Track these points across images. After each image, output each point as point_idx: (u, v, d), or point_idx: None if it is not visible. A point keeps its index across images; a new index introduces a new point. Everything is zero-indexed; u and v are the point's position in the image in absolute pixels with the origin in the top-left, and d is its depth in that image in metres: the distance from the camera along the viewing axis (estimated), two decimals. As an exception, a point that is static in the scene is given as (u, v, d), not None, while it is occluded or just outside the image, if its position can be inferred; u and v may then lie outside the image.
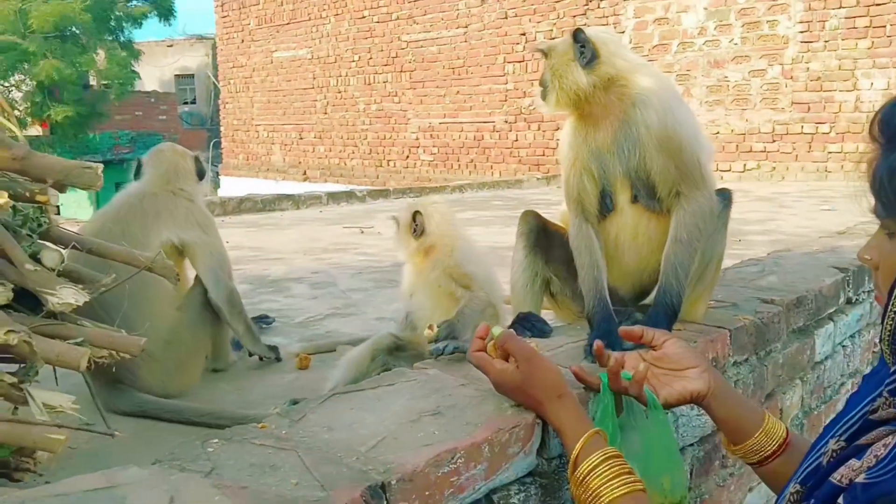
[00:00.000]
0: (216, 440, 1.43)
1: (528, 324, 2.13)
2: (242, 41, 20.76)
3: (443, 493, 1.35)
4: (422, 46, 15.94)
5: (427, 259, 2.21)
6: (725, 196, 2.19)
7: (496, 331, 1.54)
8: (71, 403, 1.38)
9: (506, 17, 14.46)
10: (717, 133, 11.57)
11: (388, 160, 16.86)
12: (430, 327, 1.88)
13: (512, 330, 1.56)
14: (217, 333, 2.49)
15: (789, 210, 7.37)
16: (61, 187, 1.53)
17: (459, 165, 15.43)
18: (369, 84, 17.13)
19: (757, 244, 5.24)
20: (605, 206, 2.13)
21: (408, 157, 16.44)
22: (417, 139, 16.19)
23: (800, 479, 1.19)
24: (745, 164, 11.51)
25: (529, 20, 14.15)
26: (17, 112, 22.09)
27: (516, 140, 14.45)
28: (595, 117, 2.09)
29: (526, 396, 1.50)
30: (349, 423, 1.50)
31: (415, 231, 2.18)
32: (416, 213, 2.20)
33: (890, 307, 1.03)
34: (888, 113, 1.08)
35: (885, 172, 1.05)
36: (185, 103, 35.75)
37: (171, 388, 2.27)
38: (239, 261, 4.93)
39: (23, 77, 22.46)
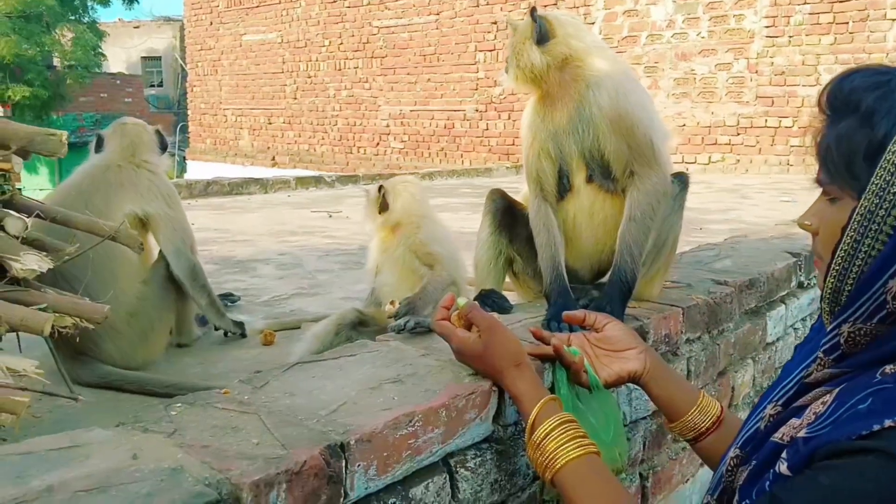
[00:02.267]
0: (179, 404, 1.46)
1: (489, 300, 2.18)
2: (211, 23, 20.47)
3: (400, 455, 1.40)
4: (393, 32, 15.89)
5: (393, 236, 2.25)
6: (682, 179, 2.27)
7: (461, 301, 1.60)
8: (34, 368, 1.39)
9: (477, 6, 14.48)
10: (684, 125, 11.75)
11: (359, 147, 16.80)
12: (392, 303, 1.93)
13: (475, 302, 1.61)
14: (181, 308, 2.50)
15: (751, 201, 7.53)
16: (24, 154, 1.53)
17: (430, 153, 15.44)
18: (339, 70, 17.03)
19: (717, 232, 5.36)
20: (563, 185, 2.19)
21: (378, 144, 16.40)
22: (388, 126, 16.16)
23: (739, 444, 1.26)
24: (710, 157, 11.71)
25: (501, 8, 14.18)
26: (-24, 91, 21.61)
27: (486, 129, 14.50)
28: (553, 98, 2.14)
29: (485, 365, 1.56)
30: (310, 390, 1.54)
31: (380, 206, 2.22)
32: (381, 189, 2.24)
33: (832, 265, 1.09)
34: (836, 87, 1.15)
35: (833, 139, 1.12)
36: (152, 86, 35.21)
37: (135, 361, 2.29)
38: (205, 242, 4.91)
39: (-18, 57, 21.91)
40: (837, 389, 1.08)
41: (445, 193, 8.58)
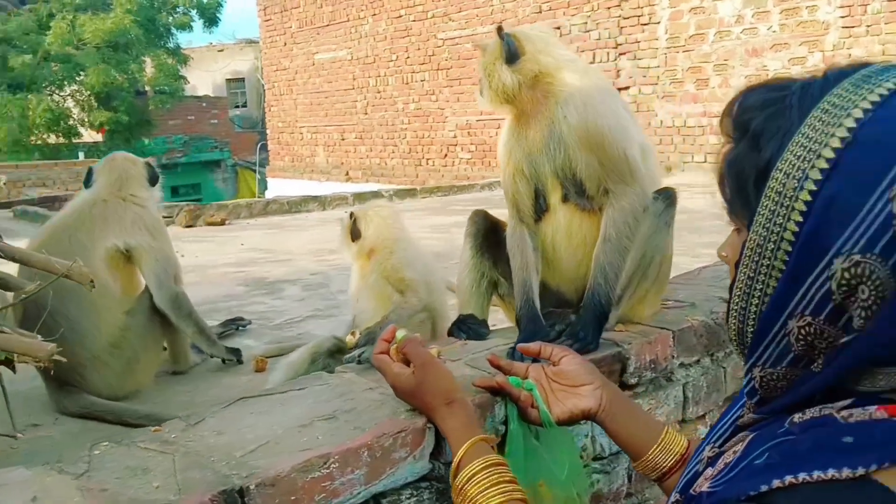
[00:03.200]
0: (106, 443, 1.47)
1: (464, 326, 2.13)
2: (285, 44, 21.09)
3: (312, 498, 1.37)
4: (457, 44, 15.93)
5: (368, 262, 2.22)
6: (668, 195, 2.14)
7: (399, 334, 1.55)
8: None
9: (540, 12, 14.35)
10: (758, 123, 11.23)
11: (427, 159, 16.91)
12: (353, 334, 1.90)
13: (416, 335, 1.56)
14: (173, 336, 2.55)
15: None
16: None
17: (497, 163, 15.34)
18: (407, 83, 17.20)
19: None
20: (540, 206, 2.11)
21: (446, 155, 16.46)
22: (455, 137, 16.19)
23: (679, 488, 1.17)
24: (786, 155, 11.15)
25: (563, 13, 14.00)
26: (71, 120, 23.01)
27: (552, 135, 14.29)
28: (527, 116, 2.08)
29: (418, 401, 1.51)
30: (240, 428, 1.53)
31: (353, 234, 2.20)
32: (352, 216, 2.22)
33: (731, 304, 1.00)
34: (734, 106, 1.05)
35: (726, 165, 1.02)
36: (237, 107, 36.48)
37: (120, 390, 2.35)
38: (246, 263, 5.04)
39: (77, 87, 23.30)
40: (751, 437, 0.99)
41: (501, 205, 8.50)
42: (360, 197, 8.98)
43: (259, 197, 24.30)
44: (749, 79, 11.57)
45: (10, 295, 1.95)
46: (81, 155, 21.47)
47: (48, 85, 22.81)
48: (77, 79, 23.06)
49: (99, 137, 25.20)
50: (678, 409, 2.19)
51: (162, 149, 28.51)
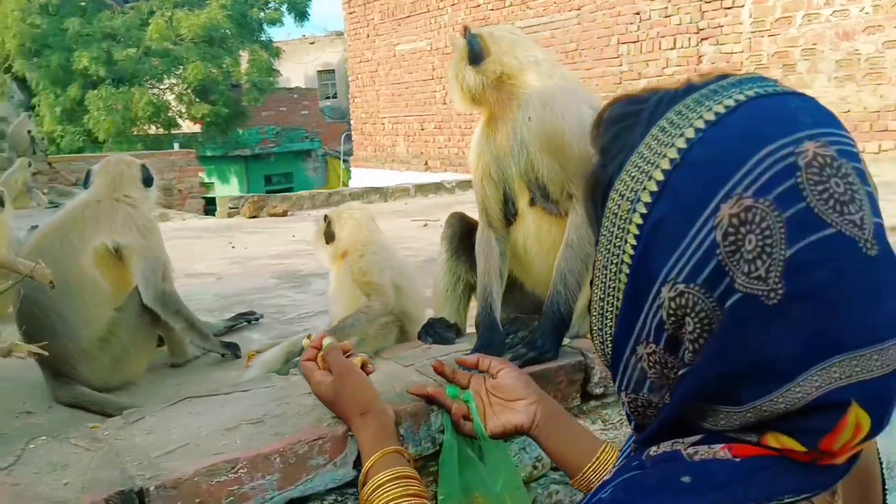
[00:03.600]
0: (44, 438, 1.56)
1: (432, 330, 2.12)
2: (367, 36, 21.41)
3: (219, 501, 1.40)
4: (535, 32, 15.70)
5: (343, 265, 2.24)
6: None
7: (326, 341, 1.57)
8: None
9: (619, -3, 13.96)
10: (848, 111, 10.61)
11: (504, 148, 16.80)
12: (309, 337, 1.92)
13: (343, 344, 1.58)
14: (169, 330, 2.66)
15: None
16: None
17: (573, 152, 15.09)
18: (485, 73, 17.12)
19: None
20: (509, 210, 2.08)
21: (522, 144, 16.31)
22: (532, 126, 16.02)
23: None
24: (880, 145, 10.48)
25: (644, -1, 13.58)
26: (170, 112, 24.15)
27: (631, 125, 13.92)
28: (495, 118, 2.05)
29: (337, 410, 1.53)
30: (171, 428, 1.58)
31: (327, 237, 2.22)
32: (326, 218, 2.24)
33: (591, 325, 0.96)
34: (598, 119, 1.00)
35: (584, 179, 0.98)
36: (327, 98, 37.27)
37: (111, 382, 2.47)
38: (287, 255, 5.17)
39: (175, 81, 24.42)
40: (618, 467, 0.95)
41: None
42: (422, 188, 9.04)
43: (344, 185, 24.84)
44: (839, 64, 10.93)
45: None
46: (176, 146, 22.51)
47: (149, 79, 23.99)
48: (176, 72, 24.15)
49: (196, 128, 26.37)
50: (653, 421, 2.11)
51: (255, 139, 29.57)
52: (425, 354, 2.01)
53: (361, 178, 21.64)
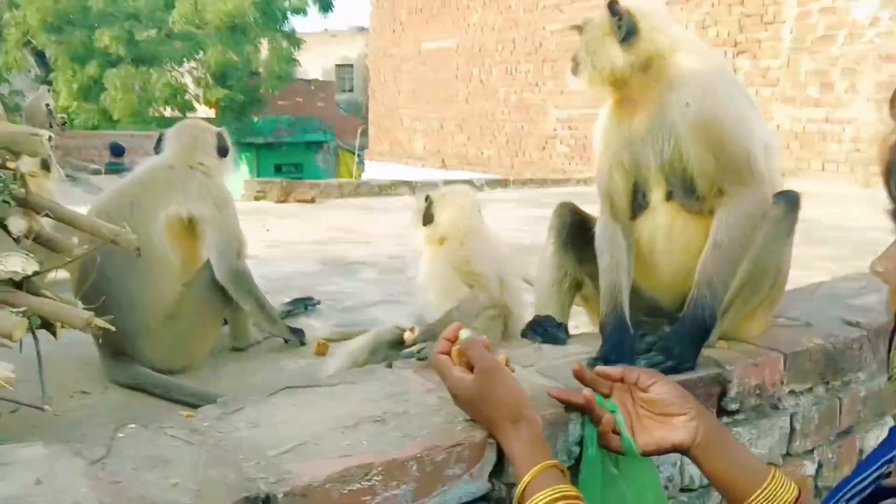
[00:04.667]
0: (133, 425, 1.35)
1: (541, 328, 1.91)
2: (394, 31, 21.23)
3: (348, 512, 1.19)
4: (566, 36, 15.51)
5: (439, 250, 2.03)
6: (789, 198, 1.85)
7: (464, 334, 1.36)
8: (9, 373, 1.34)
9: (654, 6, 13.75)
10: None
11: (525, 151, 16.62)
12: (412, 330, 1.72)
13: (482, 337, 1.37)
14: (235, 312, 2.45)
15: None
16: (16, 154, 1.51)
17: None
18: (510, 74, 16.95)
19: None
20: (639, 202, 1.87)
21: (544, 148, 16.12)
22: (555, 130, 15.82)
23: None
24: (918, 171, 10.23)
25: (681, 9, 13.34)
26: (187, 95, 23.99)
27: (658, 134, 13.72)
28: (633, 101, 1.83)
29: (479, 414, 1.32)
30: (278, 422, 1.37)
31: (425, 218, 2.01)
32: (427, 199, 2.03)
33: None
34: None
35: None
36: (344, 91, 37.11)
37: (174, 364, 2.26)
38: (328, 241, 4.97)
39: (195, 65, 24.26)
40: None
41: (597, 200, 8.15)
42: (451, 184, 8.82)
43: (356, 179, 24.68)
44: (881, 86, 10.70)
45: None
46: (192, 129, 22.31)
47: (169, 61, 23.82)
48: (196, 56, 23.99)
49: (212, 113, 26.20)
50: (783, 441, 1.91)
51: (270, 128, 29.38)
52: (539, 355, 1.80)
53: (375, 171, 21.45)
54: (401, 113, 21.11)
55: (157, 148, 2.54)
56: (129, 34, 22.13)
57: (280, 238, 4.93)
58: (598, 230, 1.90)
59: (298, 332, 2.55)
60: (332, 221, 5.97)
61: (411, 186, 8.37)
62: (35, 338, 1.53)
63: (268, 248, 4.46)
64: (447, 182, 8.85)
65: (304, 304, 2.99)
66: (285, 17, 26.19)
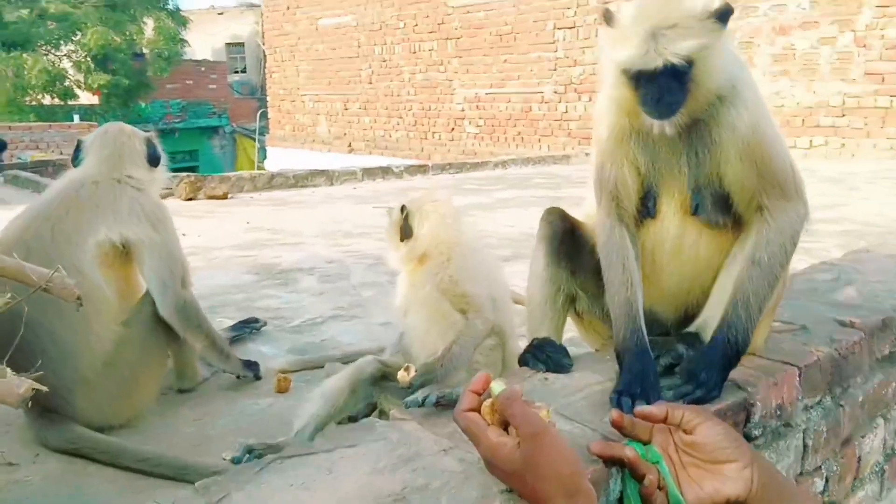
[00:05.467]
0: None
1: (542, 355, 1.72)
2: (288, 8, 20.43)
3: None
4: (468, 12, 15.36)
5: (420, 268, 1.80)
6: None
7: (496, 386, 1.15)
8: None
9: (559, -19, 13.77)
10: (782, 106, 10.80)
11: (433, 132, 16.41)
12: (406, 369, 1.49)
13: (517, 388, 1.16)
14: (179, 348, 2.13)
15: (860, 193, 6.71)
16: None
17: (506, 138, 14.89)
18: (414, 52, 16.65)
19: (826, 235, 4.69)
20: (646, 209, 1.69)
21: (453, 129, 15.96)
22: (463, 110, 15.69)
23: None
24: (811, 140, 10.73)
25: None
26: (67, 81, 22.40)
27: (566, 112, 13.83)
28: None
29: (524, 486, 1.11)
30: (279, 514, 1.12)
31: (403, 232, 1.77)
32: (403, 209, 1.79)
33: None
34: None
35: None
36: (236, 72, 35.74)
37: (115, 418, 1.93)
38: (254, 245, 4.62)
39: (73, 47, 22.66)
40: None
41: (517, 185, 8.08)
42: (370, 172, 8.54)
43: (259, 166, 23.80)
44: (775, 58, 11.12)
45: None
46: (77, 118, 20.88)
47: (44, 44, 22.12)
48: (74, 38, 22.38)
49: (95, 100, 24.60)
50: (797, 460, 1.80)
51: (160, 113, 27.91)
52: (549, 389, 1.61)
53: (278, 157, 20.70)
54: (301, 94, 20.41)
55: (76, 159, 2.15)
56: (-2, 15, 20.41)
57: (199, 244, 4.53)
58: (603, 234, 1.70)
59: (253, 366, 2.25)
60: (253, 220, 5.58)
61: (329, 176, 8.02)
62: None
63: (188, 258, 4.05)
64: (366, 170, 8.58)
65: (249, 328, 2.68)
66: (170, -6, 24.87)
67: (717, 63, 1.52)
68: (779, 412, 1.68)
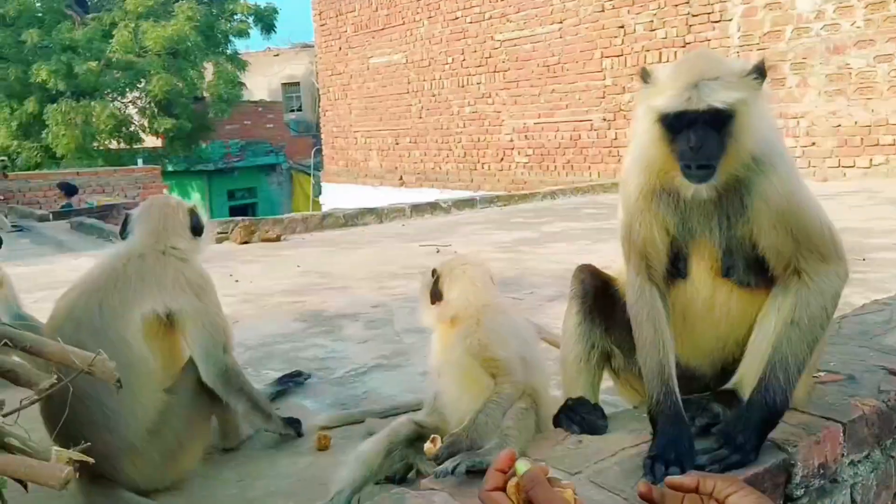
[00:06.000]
0: None
1: (577, 416, 1.72)
2: (340, 48, 20.95)
3: None
4: (515, 45, 15.48)
5: (452, 331, 1.82)
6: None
7: (521, 466, 1.16)
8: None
9: (602, 10, 13.79)
10: (839, 126, 10.52)
11: (483, 163, 16.51)
12: (433, 440, 1.51)
13: (542, 466, 1.16)
14: (223, 409, 2.19)
15: (926, 216, 6.46)
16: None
17: (556, 167, 14.86)
18: (463, 86, 16.84)
19: (884, 264, 4.52)
20: (676, 269, 1.68)
21: (502, 159, 16.02)
22: (512, 140, 15.75)
23: None
24: (871, 160, 10.39)
25: (628, 11, 13.42)
26: (133, 126, 23.35)
27: (615, 138, 13.74)
28: None
29: None
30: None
31: (433, 295, 1.80)
32: (434, 273, 1.82)
33: None
34: None
35: None
36: (292, 111, 36.64)
37: (160, 482, 2.00)
38: (303, 290, 4.72)
39: (138, 94, 23.63)
40: None
41: (566, 216, 8.05)
42: (418, 209, 8.63)
43: (315, 201, 24.27)
44: (830, 78, 10.86)
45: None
46: (140, 161, 21.72)
47: (110, 92, 23.14)
48: (138, 86, 23.37)
49: (159, 143, 25.54)
50: (846, 517, 1.74)
51: (219, 153, 28.80)
52: (582, 453, 1.60)
53: (332, 192, 21.11)
54: (354, 131, 20.82)
55: (124, 232, 2.27)
56: (68, 67, 21.43)
57: (250, 289, 4.66)
58: (633, 294, 1.70)
59: (295, 423, 2.30)
60: (303, 262, 5.70)
61: (378, 214, 8.14)
62: (3, 501, 1.28)
63: (239, 304, 4.19)
64: (415, 207, 8.67)
65: (294, 381, 2.74)
66: (227, 40, 25.74)
67: (755, 120, 1.52)
68: (822, 471, 1.63)
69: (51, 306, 2.09)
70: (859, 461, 1.78)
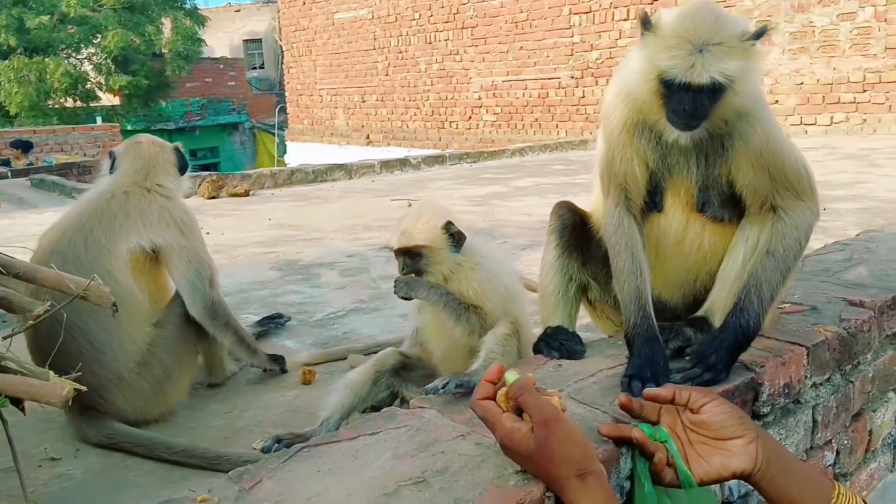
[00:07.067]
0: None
1: (555, 342, 1.79)
2: (304, 3, 20.53)
3: None
4: (484, 1, 15.33)
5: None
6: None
7: (510, 376, 1.22)
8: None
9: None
10: (802, 83, 10.69)
11: (451, 121, 16.44)
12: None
13: (530, 377, 1.22)
14: (209, 346, 2.23)
15: (882, 170, 6.66)
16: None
17: (524, 125, 14.87)
18: (430, 43, 16.66)
19: (843, 213, 4.69)
20: (652, 202, 1.74)
21: (470, 117, 15.97)
22: (480, 98, 15.70)
23: None
24: (832, 117, 10.60)
25: (592, -23, 13.35)
26: (89, 84, 22.71)
27: (583, 96, 13.78)
28: None
29: (537, 468, 1.18)
30: (307, 497, 1.20)
31: (452, 244, 1.84)
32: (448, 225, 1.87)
33: None
34: None
35: None
36: (254, 68, 35.91)
37: (149, 413, 2.04)
38: (276, 241, 4.72)
39: (94, 50, 22.96)
40: None
41: (535, 172, 8.11)
42: (388, 164, 8.61)
43: (279, 160, 23.98)
44: (794, 36, 10.99)
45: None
46: (99, 119, 21.18)
47: (65, 48, 22.44)
48: (94, 41, 22.69)
49: (116, 101, 24.92)
50: (807, 435, 1.86)
51: (180, 112, 28.20)
52: (562, 374, 1.68)
53: (297, 151, 20.86)
54: (319, 88, 20.52)
55: (112, 168, 2.26)
56: (19, 21, 20.70)
57: (223, 241, 4.65)
58: (611, 225, 1.75)
59: (279, 360, 2.35)
60: (274, 216, 5.69)
61: (347, 170, 8.11)
62: (3, 420, 1.31)
63: (213, 255, 4.15)
64: (384, 163, 8.65)
65: (274, 323, 2.78)
66: (187, -6, 25.09)
67: (749, 85, 1.58)
68: (787, 390, 1.73)
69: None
70: (821, 384, 1.88)
